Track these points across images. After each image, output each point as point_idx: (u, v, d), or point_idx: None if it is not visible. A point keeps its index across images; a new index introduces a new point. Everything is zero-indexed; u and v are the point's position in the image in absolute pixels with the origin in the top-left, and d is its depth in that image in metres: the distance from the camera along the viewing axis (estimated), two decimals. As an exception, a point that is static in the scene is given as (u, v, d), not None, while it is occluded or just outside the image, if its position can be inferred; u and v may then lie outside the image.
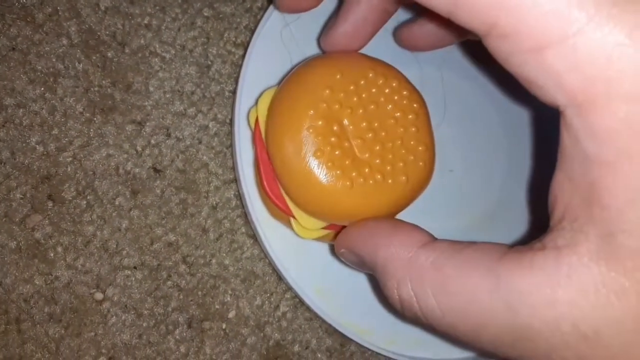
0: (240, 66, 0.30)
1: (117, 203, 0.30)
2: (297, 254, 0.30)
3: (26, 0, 0.30)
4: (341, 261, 0.28)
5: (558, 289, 0.18)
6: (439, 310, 0.21)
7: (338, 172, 0.26)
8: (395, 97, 0.27)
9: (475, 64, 0.34)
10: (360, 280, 0.31)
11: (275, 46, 0.31)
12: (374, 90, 0.27)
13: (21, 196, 0.29)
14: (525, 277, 0.19)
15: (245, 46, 0.32)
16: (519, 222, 0.33)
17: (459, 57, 0.34)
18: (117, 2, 0.31)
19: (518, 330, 0.19)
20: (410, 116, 0.27)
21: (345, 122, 0.26)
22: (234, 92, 0.31)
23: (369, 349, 0.30)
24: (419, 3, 0.19)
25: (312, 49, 0.31)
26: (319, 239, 0.29)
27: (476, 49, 0.31)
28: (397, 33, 0.32)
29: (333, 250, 0.30)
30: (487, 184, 0.33)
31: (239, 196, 0.31)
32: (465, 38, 0.30)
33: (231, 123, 0.31)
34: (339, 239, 0.27)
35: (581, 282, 0.18)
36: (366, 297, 0.31)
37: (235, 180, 0.31)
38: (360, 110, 0.26)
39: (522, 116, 0.34)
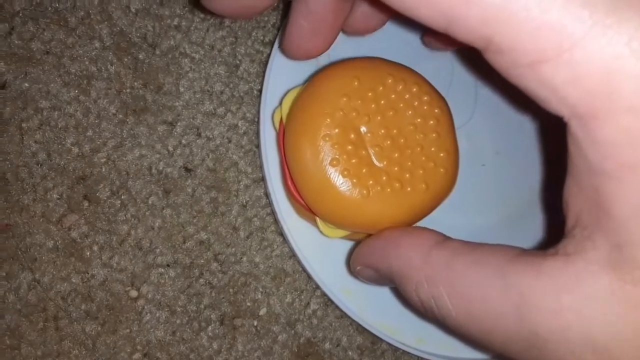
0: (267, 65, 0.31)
1: (150, 202, 0.30)
2: (324, 252, 0.30)
3: (59, 5, 0.31)
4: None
5: (564, 295, 0.18)
6: (452, 311, 0.21)
7: (354, 180, 0.26)
8: (415, 103, 0.27)
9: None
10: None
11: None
12: (392, 96, 0.27)
13: (57, 196, 0.30)
14: (533, 280, 0.19)
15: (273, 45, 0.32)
16: (547, 225, 0.32)
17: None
18: (147, 4, 0.31)
19: (526, 337, 0.19)
20: (431, 122, 0.27)
21: (363, 129, 0.26)
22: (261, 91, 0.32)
23: (399, 348, 0.30)
24: (412, 18, 0.19)
25: (338, 48, 0.31)
26: (346, 238, 0.29)
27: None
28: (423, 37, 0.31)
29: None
30: (519, 182, 0.33)
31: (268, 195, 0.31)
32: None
33: (257, 123, 0.31)
34: (352, 259, 0.27)
35: (589, 290, 0.18)
36: (394, 295, 0.31)
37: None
38: (378, 117, 0.26)
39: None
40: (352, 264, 0.27)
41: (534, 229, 0.32)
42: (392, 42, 0.32)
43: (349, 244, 0.31)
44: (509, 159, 0.33)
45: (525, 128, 0.33)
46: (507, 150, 0.33)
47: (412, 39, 0.33)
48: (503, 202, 0.32)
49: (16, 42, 0.30)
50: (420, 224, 0.28)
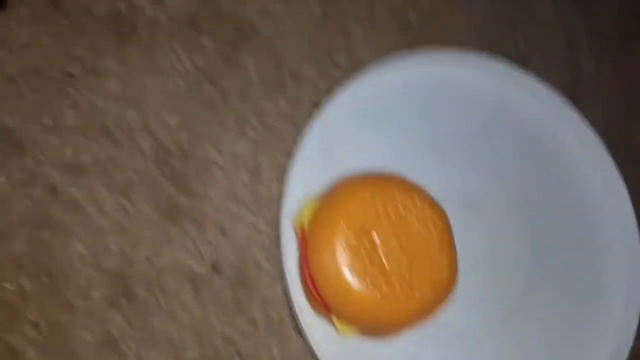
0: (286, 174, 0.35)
1: (181, 299, 0.33)
2: (338, 349, 0.33)
3: (105, 119, 0.34)
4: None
5: None
6: None
7: (367, 281, 0.29)
8: (420, 214, 0.31)
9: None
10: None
11: (317, 159, 0.35)
12: (401, 208, 0.31)
13: (99, 294, 0.32)
14: None
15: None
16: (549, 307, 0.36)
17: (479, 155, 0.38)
18: (181, 118, 0.35)
19: None
20: (434, 231, 0.31)
21: (376, 238, 0.30)
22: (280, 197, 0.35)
23: None
24: None
25: (349, 165, 0.35)
26: (358, 335, 0.33)
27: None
28: None
29: (376, 346, 0.33)
30: (511, 282, 0.37)
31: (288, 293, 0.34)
32: None
33: (278, 225, 0.35)
34: None
35: None
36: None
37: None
38: (389, 226, 0.30)
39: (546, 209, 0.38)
40: None
41: (526, 330, 0.35)
42: (402, 152, 0.37)
43: (361, 340, 0.34)
44: (500, 261, 0.37)
45: (515, 231, 0.37)
46: (498, 253, 0.37)
47: (422, 148, 0.37)
48: (496, 302, 0.36)
49: (68, 154, 0.33)
50: (429, 325, 0.32)
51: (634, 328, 0.36)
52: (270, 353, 0.34)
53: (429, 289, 0.30)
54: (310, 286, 0.32)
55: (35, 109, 0.34)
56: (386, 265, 0.30)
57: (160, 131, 0.35)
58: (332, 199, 0.32)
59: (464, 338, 0.35)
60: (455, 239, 0.32)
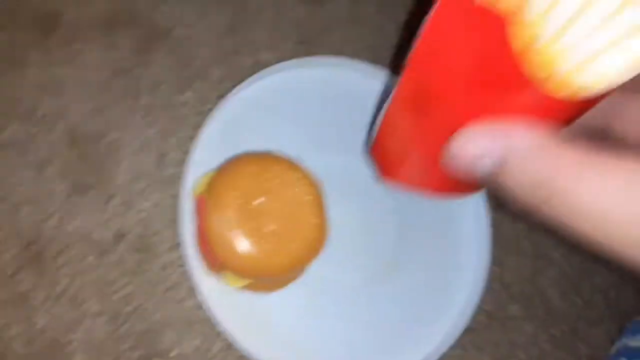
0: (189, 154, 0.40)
1: (86, 261, 0.38)
2: (227, 303, 0.38)
3: (25, 103, 0.40)
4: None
5: None
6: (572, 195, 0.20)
7: (252, 239, 0.35)
8: (296, 184, 0.37)
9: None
10: (287, 320, 0.39)
11: (215, 141, 0.41)
12: (279, 180, 0.36)
13: (10, 256, 0.37)
14: None
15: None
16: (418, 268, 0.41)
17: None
18: (95, 107, 0.41)
19: None
20: (307, 197, 0.36)
21: (260, 201, 0.36)
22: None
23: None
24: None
25: (244, 146, 0.41)
26: (246, 288, 0.38)
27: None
28: None
29: (255, 301, 0.38)
30: (381, 245, 0.42)
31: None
32: None
33: (176, 199, 0.40)
34: (462, 132, 0.23)
35: None
36: (291, 334, 0.39)
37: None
38: (270, 193, 0.36)
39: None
40: (466, 132, 0.23)
41: (399, 285, 0.41)
42: (293, 140, 0.42)
43: (247, 296, 0.38)
44: (371, 229, 0.42)
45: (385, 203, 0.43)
46: (369, 221, 0.42)
47: (310, 137, 0.43)
48: (369, 261, 0.41)
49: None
50: (305, 275, 0.38)
51: (481, 285, 0.42)
52: (167, 309, 0.38)
53: (300, 244, 0.36)
54: (205, 247, 0.37)
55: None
56: (266, 226, 0.35)
57: (74, 117, 0.40)
58: (223, 171, 0.37)
59: (335, 290, 0.41)
60: (335, 208, 0.38)
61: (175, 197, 0.40)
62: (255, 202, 0.36)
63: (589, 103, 0.22)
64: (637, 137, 0.25)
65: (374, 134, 0.31)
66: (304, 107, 0.43)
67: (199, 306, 0.39)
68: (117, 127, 0.41)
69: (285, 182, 0.36)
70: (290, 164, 0.37)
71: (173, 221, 0.40)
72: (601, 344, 0.42)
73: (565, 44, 0.21)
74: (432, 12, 0.23)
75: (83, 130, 0.40)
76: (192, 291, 0.39)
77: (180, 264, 0.39)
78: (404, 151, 0.30)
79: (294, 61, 0.43)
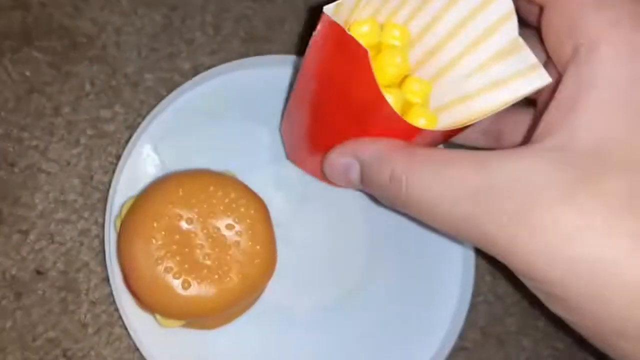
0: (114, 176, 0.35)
1: (1, 305, 0.33)
2: (164, 342, 0.34)
3: None
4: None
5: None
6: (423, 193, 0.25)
7: (177, 275, 0.30)
8: (233, 206, 0.32)
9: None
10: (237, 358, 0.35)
11: (145, 160, 0.36)
12: (214, 201, 0.31)
13: None
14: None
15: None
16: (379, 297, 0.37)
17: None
18: (8, 129, 0.36)
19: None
20: (247, 221, 0.31)
21: (188, 229, 0.31)
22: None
23: None
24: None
25: (176, 164, 0.36)
26: (183, 327, 0.33)
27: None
28: None
29: (197, 339, 0.34)
30: (349, 262, 0.37)
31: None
32: None
33: (103, 228, 0.35)
34: (328, 155, 0.30)
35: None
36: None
37: (113, 277, 0.35)
38: (201, 220, 0.31)
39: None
40: (329, 157, 0.30)
41: (368, 303, 0.36)
42: (239, 151, 0.37)
43: (186, 334, 0.34)
44: (336, 245, 0.37)
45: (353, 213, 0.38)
46: (334, 237, 0.37)
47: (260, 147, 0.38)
48: (332, 283, 0.37)
49: None
50: (258, 307, 0.34)
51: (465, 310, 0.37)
52: (100, 352, 0.34)
53: (239, 277, 0.31)
54: (128, 285, 0.32)
55: None
56: (198, 257, 0.31)
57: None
58: (143, 196, 0.32)
59: (295, 317, 0.36)
60: (294, 225, 0.35)
61: (102, 226, 0.36)
62: (182, 230, 0.31)
63: (452, 132, 0.27)
64: (510, 139, 0.32)
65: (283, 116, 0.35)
66: (249, 113, 0.38)
67: (135, 348, 0.34)
68: (34, 150, 0.36)
69: (219, 204, 0.31)
70: (225, 182, 0.33)
71: (100, 253, 0.35)
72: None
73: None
74: (315, 33, 0.26)
75: (-6, 157, 0.36)
76: (126, 331, 0.34)
77: (111, 301, 0.35)
78: (298, 139, 0.34)
79: (235, 62, 0.39)
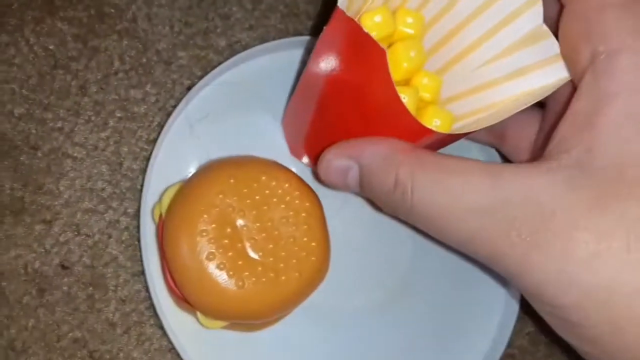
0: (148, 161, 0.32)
1: (24, 302, 0.30)
2: (203, 344, 0.31)
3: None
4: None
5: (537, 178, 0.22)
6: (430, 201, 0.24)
7: (230, 272, 0.27)
8: (287, 198, 0.29)
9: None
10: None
11: (183, 144, 0.33)
12: (266, 192, 0.29)
13: None
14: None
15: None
16: (420, 307, 0.34)
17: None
18: (31, 108, 0.33)
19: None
20: (302, 214, 0.29)
21: (239, 223, 0.28)
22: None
23: None
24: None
25: (218, 149, 0.33)
26: (225, 328, 0.30)
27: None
28: None
29: (239, 340, 0.31)
30: (393, 266, 0.34)
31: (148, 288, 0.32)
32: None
33: (138, 217, 0.32)
34: (323, 156, 0.27)
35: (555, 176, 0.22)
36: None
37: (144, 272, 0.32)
38: (254, 212, 0.28)
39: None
40: (323, 159, 0.27)
41: (408, 312, 0.33)
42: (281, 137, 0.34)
43: (228, 335, 0.31)
44: (381, 244, 0.34)
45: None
46: (379, 235, 0.34)
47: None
48: (377, 285, 0.34)
49: None
50: (299, 308, 0.30)
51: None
52: (129, 353, 0.31)
53: (296, 276, 0.28)
54: (170, 281, 0.29)
55: None
56: (250, 253, 0.28)
57: (3, 122, 0.32)
58: (191, 185, 0.29)
59: (341, 319, 0.33)
60: (334, 224, 0.30)
61: (132, 217, 0.33)
62: (235, 224, 0.28)
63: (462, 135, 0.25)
64: (515, 138, 0.31)
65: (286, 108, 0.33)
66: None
67: (169, 348, 0.31)
68: (58, 132, 0.33)
69: (274, 196, 0.28)
70: (277, 171, 0.30)
71: (130, 246, 0.32)
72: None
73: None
74: (326, 28, 0.24)
75: (15, 138, 0.32)
76: (159, 330, 0.31)
77: (142, 298, 0.32)
78: (299, 133, 0.32)
79: (281, 41, 0.35)
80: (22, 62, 0.33)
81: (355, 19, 0.23)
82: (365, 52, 0.23)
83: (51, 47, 0.34)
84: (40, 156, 0.32)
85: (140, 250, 0.31)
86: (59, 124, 0.33)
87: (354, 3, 0.25)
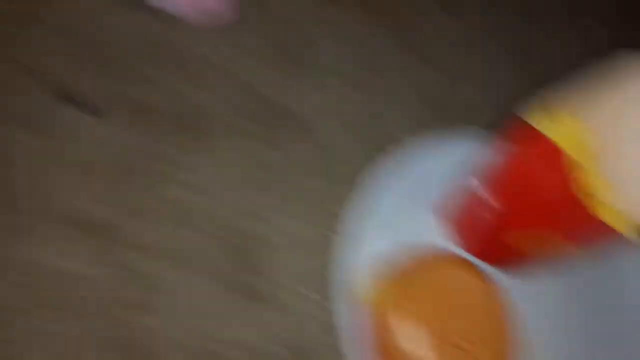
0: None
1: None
2: None
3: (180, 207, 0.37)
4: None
5: None
6: None
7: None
8: (481, 290, 0.33)
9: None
10: None
11: (366, 234, 0.37)
12: (463, 287, 0.33)
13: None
14: None
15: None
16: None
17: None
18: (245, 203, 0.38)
19: None
20: (492, 304, 0.33)
21: (453, 322, 0.32)
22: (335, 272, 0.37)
23: None
24: None
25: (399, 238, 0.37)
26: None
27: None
28: None
29: None
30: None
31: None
32: None
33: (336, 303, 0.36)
34: None
35: None
36: None
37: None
38: (458, 304, 0.33)
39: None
40: None
41: None
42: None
43: None
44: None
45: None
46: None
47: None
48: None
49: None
50: None
51: None
52: None
53: (489, 353, 0.32)
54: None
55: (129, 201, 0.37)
56: (458, 342, 0.32)
57: (227, 217, 0.38)
58: (407, 280, 0.34)
59: None
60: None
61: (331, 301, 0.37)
62: (451, 323, 0.32)
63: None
64: None
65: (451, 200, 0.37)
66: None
67: None
68: (263, 221, 0.38)
69: (469, 289, 0.33)
70: (469, 266, 0.34)
71: (332, 329, 0.36)
72: None
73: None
74: (516, 149, 0.30)
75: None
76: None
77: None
78: (473, 227, 0.35)
79: (440, 137, 0.40)
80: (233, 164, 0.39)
81: None
82: (555, 165, 0.27)
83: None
84: (250, 241, 0.37)
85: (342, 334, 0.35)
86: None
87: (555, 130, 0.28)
